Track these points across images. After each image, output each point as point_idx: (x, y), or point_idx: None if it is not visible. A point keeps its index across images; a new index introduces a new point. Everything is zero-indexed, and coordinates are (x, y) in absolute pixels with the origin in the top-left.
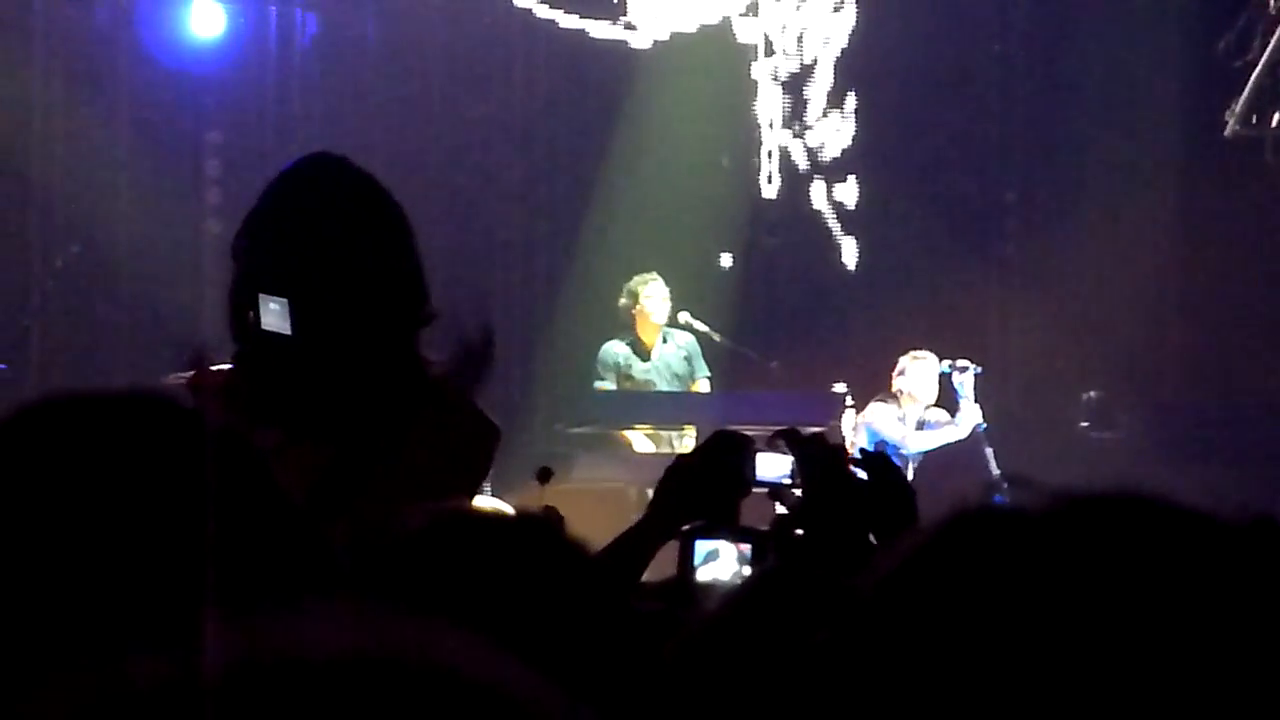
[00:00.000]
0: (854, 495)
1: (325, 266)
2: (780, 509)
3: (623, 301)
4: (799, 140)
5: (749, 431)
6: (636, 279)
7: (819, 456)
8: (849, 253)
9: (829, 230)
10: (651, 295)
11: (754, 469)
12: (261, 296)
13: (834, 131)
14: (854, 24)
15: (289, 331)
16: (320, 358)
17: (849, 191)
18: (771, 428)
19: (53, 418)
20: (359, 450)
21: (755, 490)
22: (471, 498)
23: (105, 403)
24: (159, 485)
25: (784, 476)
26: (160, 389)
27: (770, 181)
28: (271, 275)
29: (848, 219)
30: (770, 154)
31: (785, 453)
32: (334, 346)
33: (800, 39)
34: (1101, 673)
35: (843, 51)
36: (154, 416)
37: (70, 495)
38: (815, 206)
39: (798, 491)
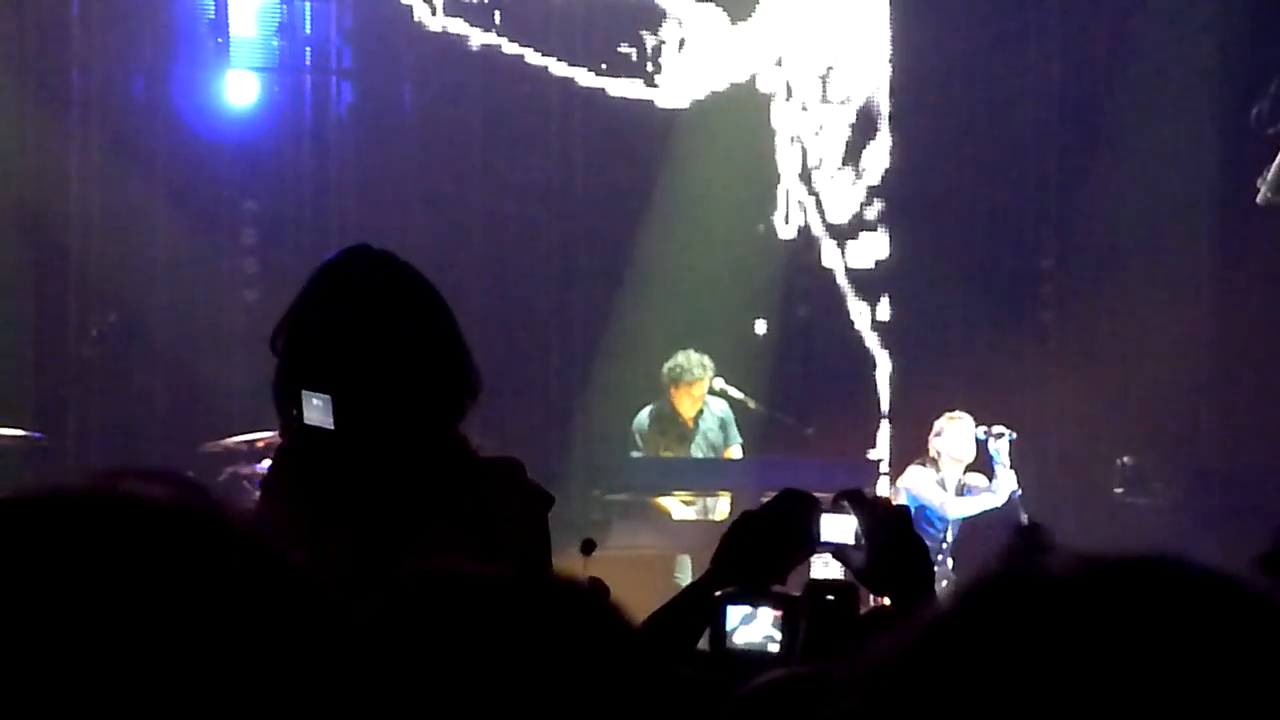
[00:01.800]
0: (919, 557)
1: (366, 360)
2: (816, 573)
3: (665, 377)
4: (815, 199)
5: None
6: (685, 366)
7: (884, 518)
8: (859, 315)
9: (857, 294)
10: (696, 394)
11: (819, 529)
12: (304, 393)
13: (850, 193)
14: (886, 86)
15: (331, 426)
16: (362, 451)
17: (862, 254)
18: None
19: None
20: (396, 535)
21: (820, 551)
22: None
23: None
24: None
25: (848, 538)
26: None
27: (789, 226)
28: (312, 370)
29: (865, 281)
30: (789, 213)
31: (849, 513)
32: (375, 439)
33: (824, 96)
34: None
35: (862, 109)
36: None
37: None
38: (828, 269)
39: (862, 554)
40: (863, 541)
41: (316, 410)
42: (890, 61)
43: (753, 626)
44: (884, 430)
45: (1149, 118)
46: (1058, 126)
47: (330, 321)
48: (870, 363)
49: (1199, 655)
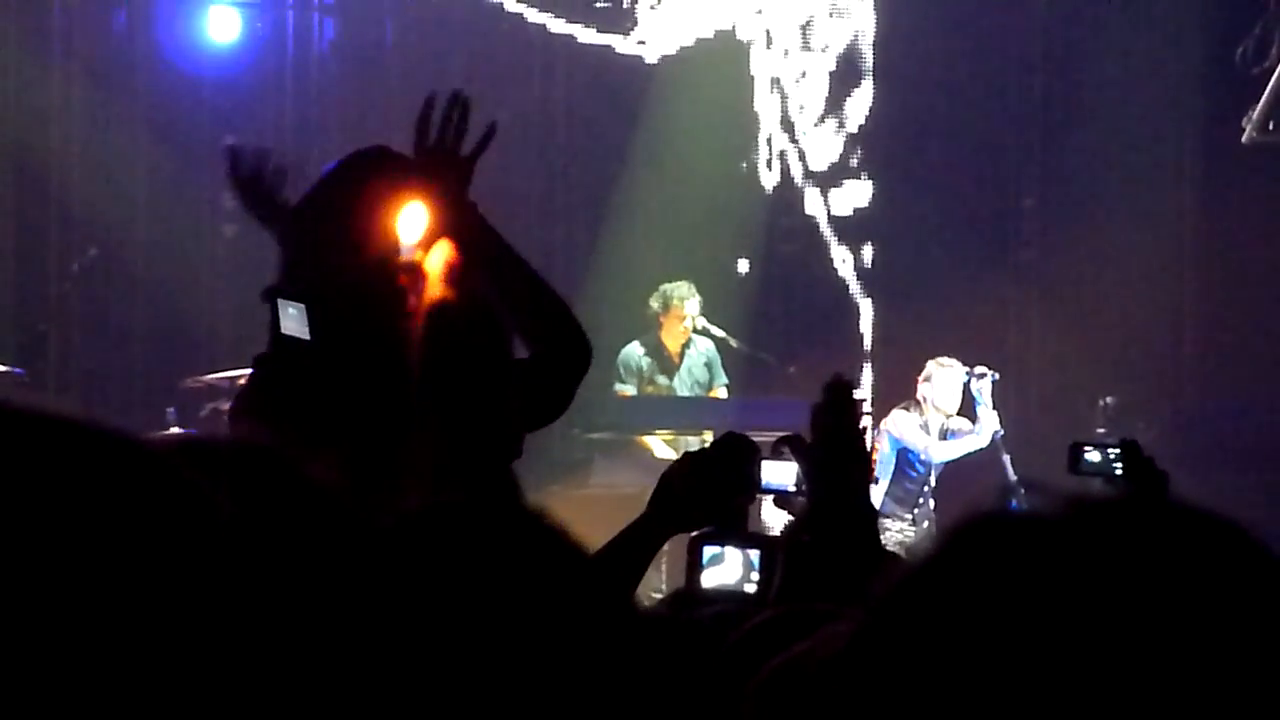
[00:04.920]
0: (860, 501)
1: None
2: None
3: (654, 306)
4: (795, 145)
5: (760, 437)
6: (674, 288)
7: (824, 462)
8: (842, 260)
9: (839, 236)
10: (690, 310)
11: (760, 474)
12: (280, 301)
13: (829, 140)
14: (872, 27)
15: (308, 336)
16: (336, 359)
17: (844, 198)
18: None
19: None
20: (371, 451)
21: (761, 495)
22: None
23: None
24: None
25: (789, 484)
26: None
27: (770, 171)
28: (313, 260)
29: (848, 221)
30: (770, 158)
31: (790, 459)
32: (354, 341)
33: (804, 44)
34: (1109, 675)
35: (843, 54)
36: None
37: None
38: (810, 212)
39: (803, 499)
40: (804, 487)
41: (292, 320)
42: (874, 2)
43: (726, 566)
44: (866, 371)
45: (1134, 56)
46: (1041, 65)
47: (335, 209)
48: (852, 302)
49: (1181, 592)
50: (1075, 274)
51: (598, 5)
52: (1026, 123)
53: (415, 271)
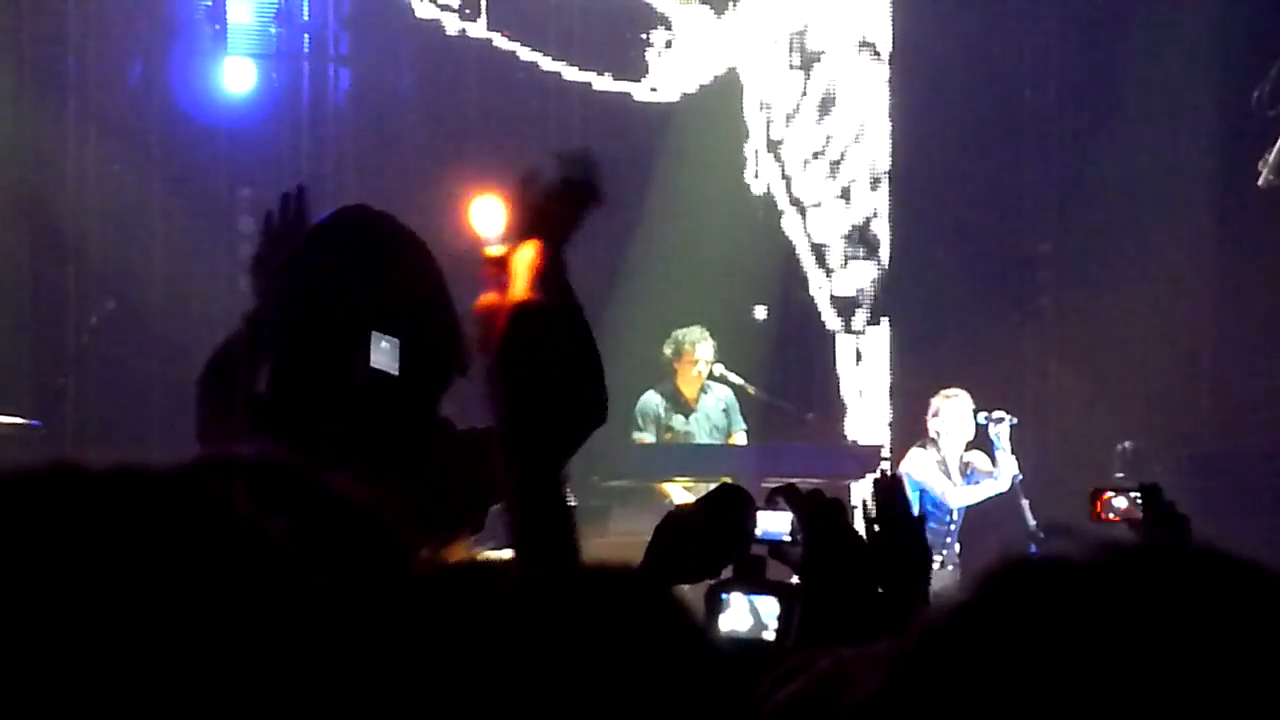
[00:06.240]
0: (855, 550)
1: (353, 313)
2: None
3: (667, 352)
4: (808, 191)
5: (779, 484)
6: (685, 333)
7: (819, 512)
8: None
9: (856, 283)
10: (702, 354)
11: (755, 525)
12: (374, 335)
13: (845, 186)
14: (888, 75)
15: (396, 372)
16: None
17: (861, 245)
18: (813, 480)
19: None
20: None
21: (756, 547)
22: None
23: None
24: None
25: (784, 534)
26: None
27: (785, 218)
28: (292, 319)
29: (863, 269)
30: (783, 206)
31: (784, 509)
32: (365, 392)
33: (817, 88)
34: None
35: (858, 103)
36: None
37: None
38: (797, 248)
39: (798, 549)
40: (799, 537)
41: (383, 354)
42: (891, 46)
43: (732, 613)
44: (851, 419)
45: (1149, 101)
46: (1056, 110)
47: (317, 275)
48: (868, 348)
49: (1221, 639)
50: (1092, 319)
51: (607, 51)
52: (1042, 169)
53: (501, 266)
